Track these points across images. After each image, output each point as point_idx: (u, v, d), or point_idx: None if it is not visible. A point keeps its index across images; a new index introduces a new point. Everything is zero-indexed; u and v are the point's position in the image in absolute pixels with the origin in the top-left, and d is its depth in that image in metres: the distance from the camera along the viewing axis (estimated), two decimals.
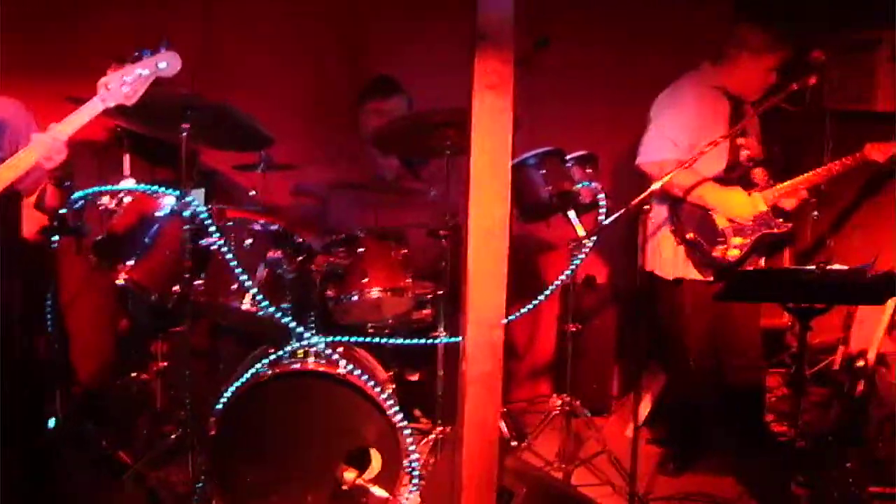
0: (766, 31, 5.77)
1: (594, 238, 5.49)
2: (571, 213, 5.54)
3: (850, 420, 5.95)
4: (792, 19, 6.58)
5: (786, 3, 6.85)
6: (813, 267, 4.58)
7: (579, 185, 5.55)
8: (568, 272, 5.61)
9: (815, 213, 5.95)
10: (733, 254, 5.73)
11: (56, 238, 5.36)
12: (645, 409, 6.63)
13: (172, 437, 5.47)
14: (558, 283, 5.61)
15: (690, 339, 5.95)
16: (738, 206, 5.71)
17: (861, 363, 5.96)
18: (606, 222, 5.37)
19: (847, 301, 5.82)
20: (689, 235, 5.66)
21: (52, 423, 5.62)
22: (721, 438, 6.11)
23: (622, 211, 5.21)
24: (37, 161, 4.30)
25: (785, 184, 5.75)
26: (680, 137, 5.82)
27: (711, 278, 5.76)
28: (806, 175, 5.72)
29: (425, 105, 6.03)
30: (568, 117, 6.98)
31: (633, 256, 5.43)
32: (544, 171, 5.51)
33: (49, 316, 5.66)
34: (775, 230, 5.74)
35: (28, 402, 5.06)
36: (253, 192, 5.97)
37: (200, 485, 5.00)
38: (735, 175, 5.78)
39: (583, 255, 5.54)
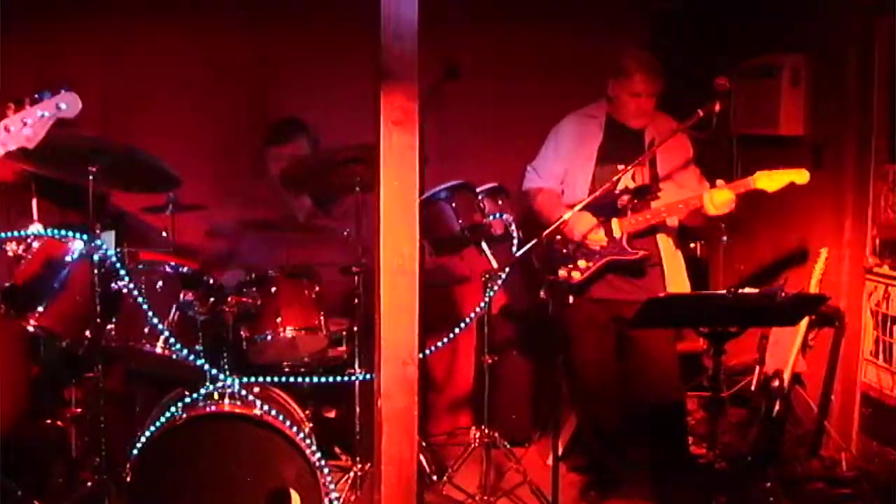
0: (631, 56, 5.84)
1: (507, 269, 5.52)
2: (484, 246, 5.56)
3: (768, 440, 6.00)
4: (699, 47, 6.69)
5: (693, 31, 6.96)
6: (724, 291, 4.60)
7: (491, 218, 5.58)
8: (483, 304, 5.62)
9: (725, 237, 5.99)
10: (575, 276, 5.78)
11: None
12: (565, 437, 6.64)
13: (89, 484, 5.39)
14: (474, 315, 5.62)
15: (579, 360, 5.94)
16: (585, 230, 5.73)
17: (777, 383, 6.01)
18: (519, 253, 5.39)
19: (760, 323, 5.87)
20: (532, 256, 5.65)
21: None
22: (641, 463, 6.13)
23: (534, 242, 5.23)
24: None
25: (642, 214, 5.76)
26: (542, 167, 6.06)
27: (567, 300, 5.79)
28: (659, 207, 5.77)
29: (336, 142, 6.03)
30: (480, 149, 7.02)
31: (532, 285, 5.47)
32: (455, 205, 5.53)
33: None
34: (624, 256, 5.76)
35: None
36: (164, 234, 5.92)
37: None
38: (603, 202, 5.77)
39: (497, 287, 5.56)
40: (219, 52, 6.78)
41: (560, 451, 5.73)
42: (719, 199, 5.54)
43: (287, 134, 6.39)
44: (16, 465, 5.83)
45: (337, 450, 6.12)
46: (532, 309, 6.62)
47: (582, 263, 5.77)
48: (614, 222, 5.72)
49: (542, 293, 5.24)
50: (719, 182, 5.59)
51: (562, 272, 5.78)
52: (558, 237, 5.59)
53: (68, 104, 4.29)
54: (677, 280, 5.95)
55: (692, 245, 6.16)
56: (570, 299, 5.67)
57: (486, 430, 5.83)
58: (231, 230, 6.43)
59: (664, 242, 5.93)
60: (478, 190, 5.64)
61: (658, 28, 7.36)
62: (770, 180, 5.49)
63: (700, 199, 5.58)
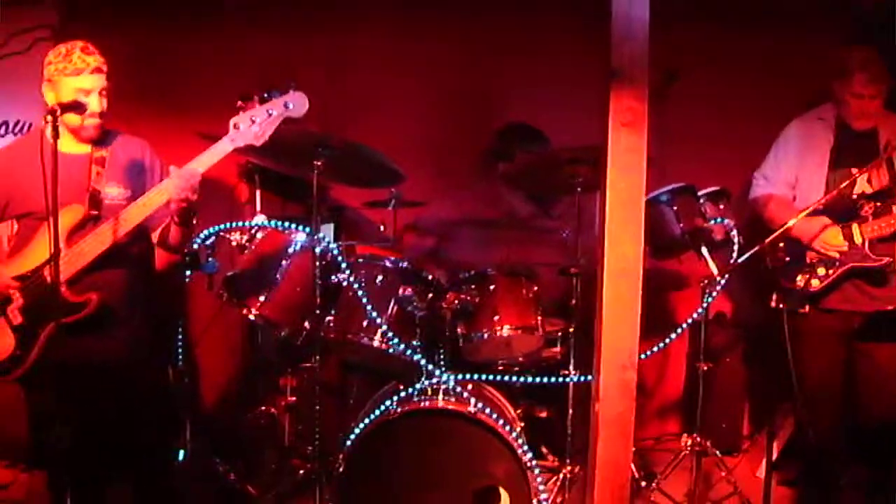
0: (852, 55, 5.60)
1: (727, 276, 5.43)
2: (704, 250, 5.48)
3: None
4: None
5: None
6: None
7: (712, 222, 5.50)
8: (700, 310, 5.54)
9: None
10: (815, 284, 5.58)
11: (188, 273, 5.43)
12: (777, 448, 6.50)
13: (300, 472, 5.49)
14: (691, 321, 5.55)
15: (806, 372, 5.77)
16: (824, 237, 5.56)
17: None
18: (740, 260, 5.29)
19: None
20: (767, 264, 5.51)
21: (180, 455, 5.68)
22: (858, 482, 5.97)
23: (756, 248, 5.13)
24: (167, 200, 4.35)
25: (885, 219, 5.57)
26: (771, 174, 5.85)
27: (802, 308, 5.65)
28: None
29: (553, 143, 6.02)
30: (701, 152, 6.89)
31: (759, 292, 5.36)
32: (676, 208, 5.47)
33: (179, 349, 5.73)
34: (866, 263, 5.55)
35: (158, 433, 5.10)
36: (383, 228, 5.98)
37: None
38: (840, 207, 5.61)
39: (715, 293, 5.47)
40: (442, 52, 6.82)
41: (772, 463, 5.61)
42: None
43: (534, 138, 6.32)
44: (230, 450, 5.98)
45: (544, 450, 6.10)
46: (758, 316, 6.49)
47: (821, 271, 5.59)
48: (854, 228, 5.54)
49: (773, 301, 5.14)
50: None
51: (799, 280, 5.64)
52: (781, 244, 5.47)
53: (296, 103, 4.37)
54: None
55: (871, 254, 5.95)
56: (806, 308, 5.56)
57: (698, 438, 5.75)
58: (435, 227, 6.46)
59: None
60: (699, 193, 5.57)
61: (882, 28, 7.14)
62: None
63: None
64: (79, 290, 4.42)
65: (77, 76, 4.44)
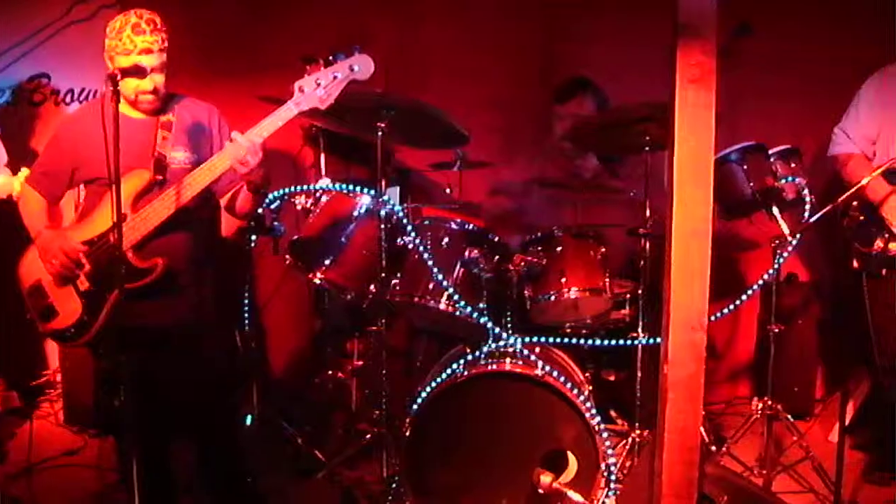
0: None
1: (799, 236, 5.34)
2: (775, 210, 5.39)
3: None
4: None
5: None
6: None
7: (783, 181, 5.41)
8: (771, 271, 5.46)
9: None
10: (893, 247, 5.45)
11: (254, 238, 5.42)
12: (849, 412, 6.41)
13: (367, 436, 5.48)
14: (761, 282, 5.47)
15: (885, 336, 5.67)
16: (889, 204, 5.41)
17: None
18: (813, 220, 5.21)
19: None
20: (845, 226, 5.40)
21: (248, 419, 5.69)
22: None
23: (828, 208, 5.04)
24: (231, 165, 4.31)
25: None
26: (852, 129, 5.68)
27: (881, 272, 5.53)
28: None
29: (624, 101, 5.94)
30: (770, 109, 6.79)
31: (835, 253, 5.27)
32: (747, 167, 5.37)
33: (246, 313, 5.74)
34: None
35: (224, 397, 5.10)
36: (448, 190, 5.94)
37: (394, 485, 4.99)
38: None
39: (787, 254, 5.39)
40: (506, 11, 6.77)
41: (846, 427, 5.53)
42: None
43: (568, 92, 6.26)
44: (298, 415, 5.99)
45: (613, 413, 6.06)
46: (831, 278, 6.41)
47: None
48: None
49: (854, 264, 5.06)
50: None
51: (878, 243, 5.52)
52: (855, 203, 5.36)
53: (362, 66, 4.33)
54: None
55: None
56: (884, 272, 5.45)
57: (769, 402, 5.67)
58: (516, 189, 6.41)
59: None
60: (770, 152, 5.47)
61: None
62: None
63: None
64: (145, 256, 4.41)
65: (127, 56, 4.39)
